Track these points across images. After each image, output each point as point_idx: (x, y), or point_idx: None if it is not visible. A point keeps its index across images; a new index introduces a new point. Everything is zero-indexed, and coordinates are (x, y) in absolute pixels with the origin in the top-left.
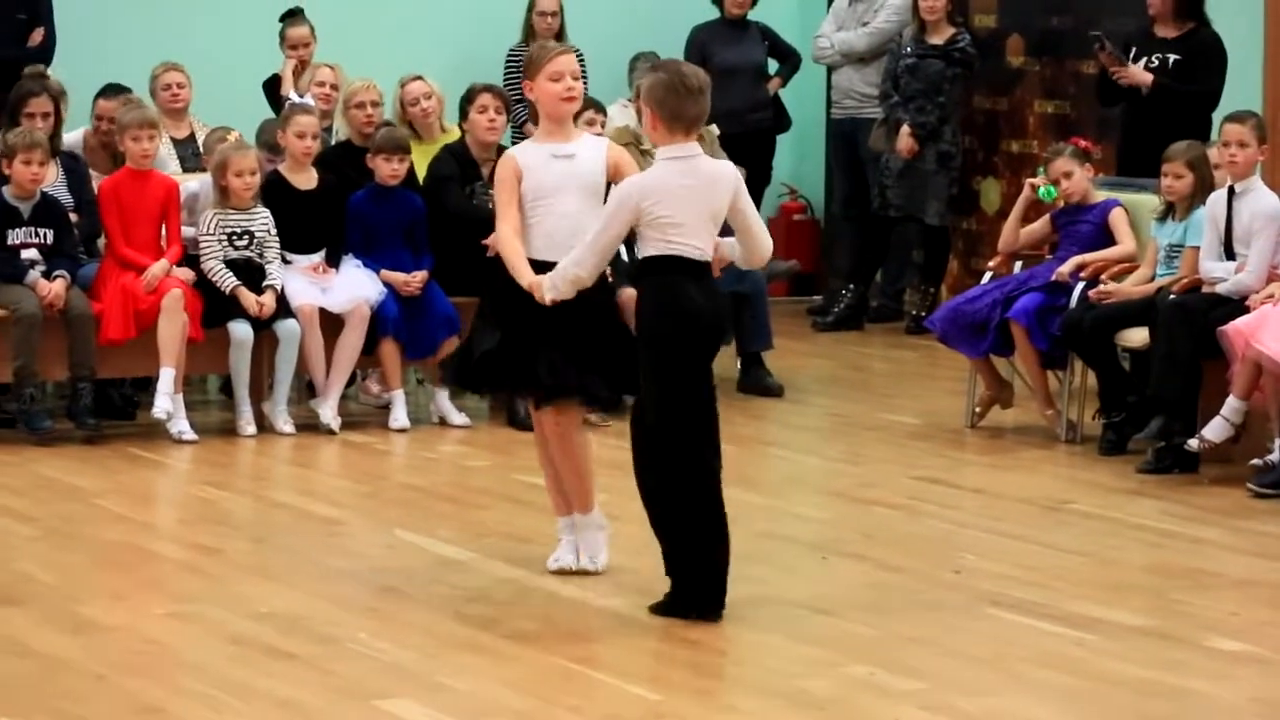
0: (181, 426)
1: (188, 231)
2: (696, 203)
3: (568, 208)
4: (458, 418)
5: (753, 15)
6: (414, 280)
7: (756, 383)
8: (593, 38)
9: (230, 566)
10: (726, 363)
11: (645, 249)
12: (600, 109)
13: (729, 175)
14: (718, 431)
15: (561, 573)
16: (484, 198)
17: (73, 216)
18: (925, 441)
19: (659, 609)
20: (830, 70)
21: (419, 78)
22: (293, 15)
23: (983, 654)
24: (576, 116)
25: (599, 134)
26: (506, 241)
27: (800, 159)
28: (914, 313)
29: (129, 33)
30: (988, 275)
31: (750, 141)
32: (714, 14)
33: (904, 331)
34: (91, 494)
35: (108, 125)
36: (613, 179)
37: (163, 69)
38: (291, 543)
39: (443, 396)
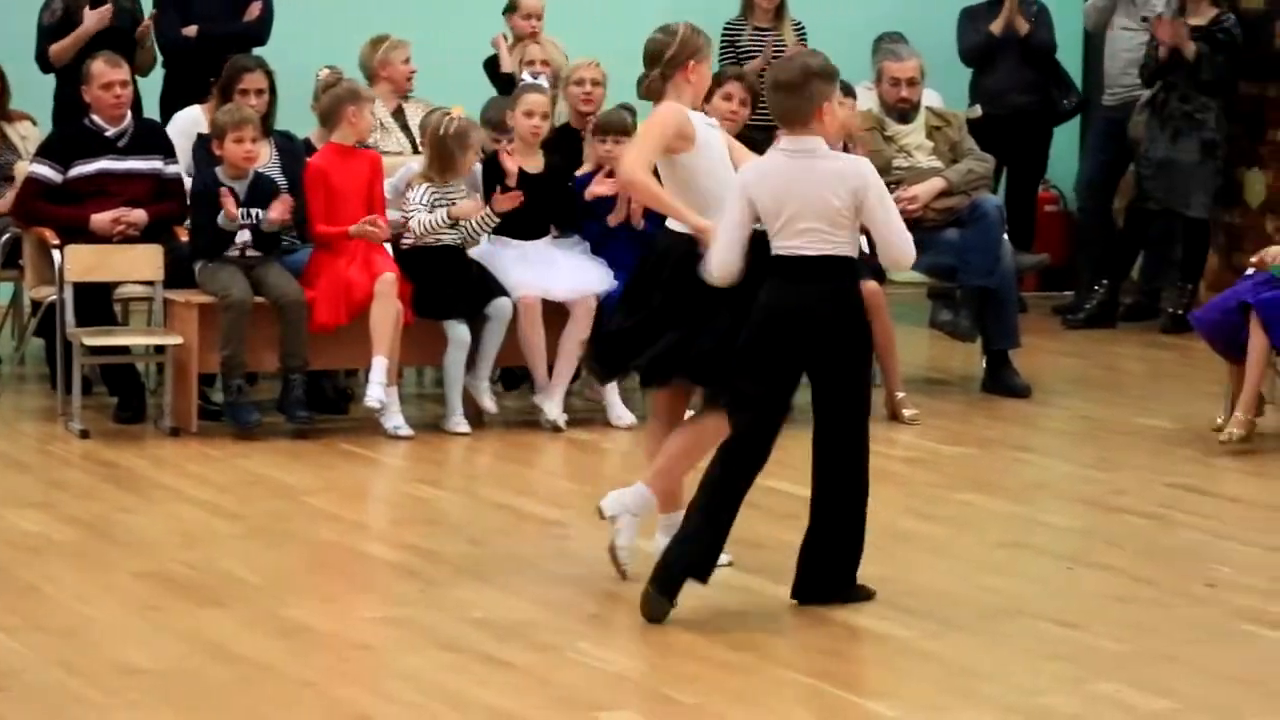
0: (396, 421)
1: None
2: (798, 199)
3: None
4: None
5: None
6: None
7: (1002, 383)
8: (824, 15)
9: (445, 569)
10: (971, 361)
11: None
12: (849, 92)
13: (850, 173)
14: (770, 441)
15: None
16: None
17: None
18: (1180, 447)
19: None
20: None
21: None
22: None
23: (1237, 673)
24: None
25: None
26: (657, 188)
27: (1054, 148)
28: (1171, 310)
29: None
30: (1250, 272)
31: (1015, 125)
32: None
33: (1159, 330)
34: (301, 491)
35: None
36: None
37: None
38: (509, 545)
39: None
